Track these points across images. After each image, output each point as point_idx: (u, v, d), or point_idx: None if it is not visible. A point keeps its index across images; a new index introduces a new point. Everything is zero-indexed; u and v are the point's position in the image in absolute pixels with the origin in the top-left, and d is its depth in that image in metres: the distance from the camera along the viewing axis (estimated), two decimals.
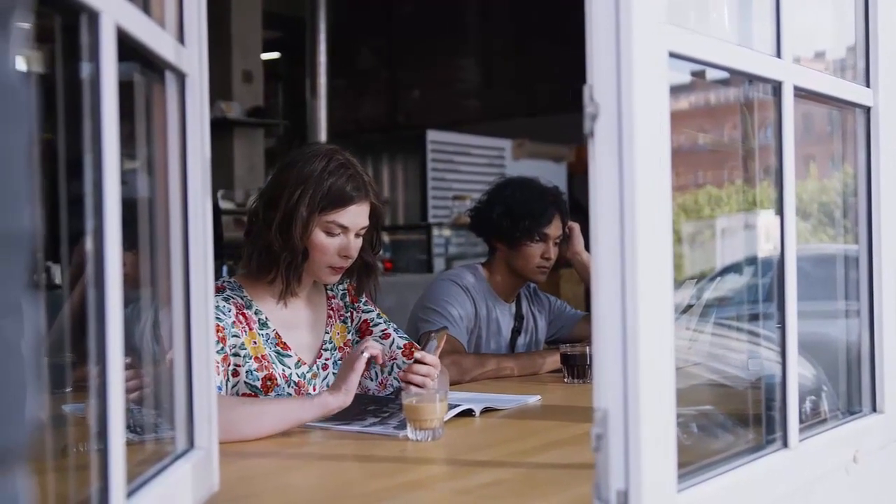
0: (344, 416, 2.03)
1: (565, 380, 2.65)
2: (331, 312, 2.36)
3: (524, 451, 1.81)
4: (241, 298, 2.21)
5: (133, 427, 1.36)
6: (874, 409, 1.80)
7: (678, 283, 1.28)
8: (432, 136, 8.03)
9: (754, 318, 1.94)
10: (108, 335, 0.99)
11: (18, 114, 0.57)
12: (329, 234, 2.17)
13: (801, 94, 1.56)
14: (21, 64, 0.59)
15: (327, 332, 2.33)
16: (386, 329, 2.38)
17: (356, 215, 2.19)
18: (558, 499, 1.47)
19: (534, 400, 2.34)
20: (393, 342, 2.34)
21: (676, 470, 1.21)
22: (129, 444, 1.06)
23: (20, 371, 0.57)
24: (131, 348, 1.14)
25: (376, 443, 1.85)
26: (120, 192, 1.02)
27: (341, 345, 2.35)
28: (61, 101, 1.07)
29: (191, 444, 1.35)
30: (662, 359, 1.19)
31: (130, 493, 1.08)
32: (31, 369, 0.59)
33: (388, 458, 1.75)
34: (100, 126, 0.99)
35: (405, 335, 2.40)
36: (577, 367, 2.63)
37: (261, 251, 2.18)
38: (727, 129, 2.07)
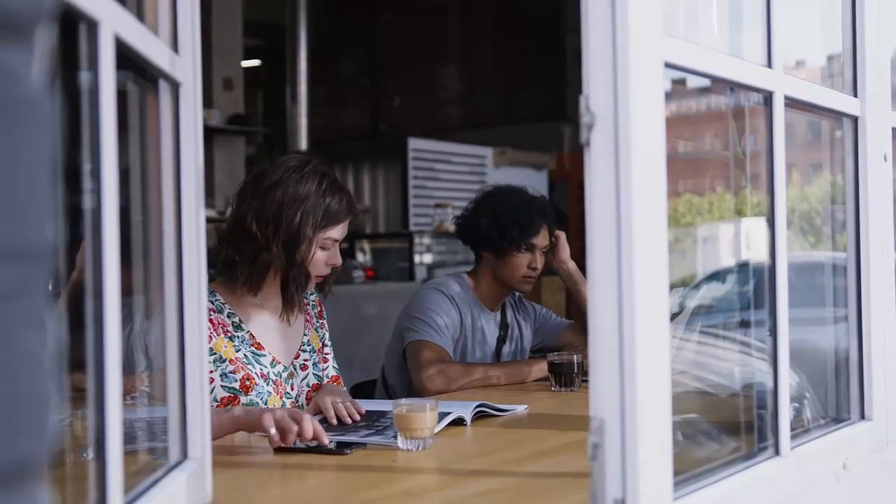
0: (337, 428, 2.02)
1: (552, 388, 2.65)
2: (307, 317, 2.44)
3: (515, 459, 1.81)
4: (212, 303, 2.24)
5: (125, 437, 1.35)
6: (862, 417, 1.81)
7: None
8: (413, 143, 8.02)
9: (739, 325, 1.95)
10: (106, 346, 0.99)
11: (43, 127, 0.57)
12: (323, 248, 2.27)
13: (791, 103, 1.57)
14: (44, 75, 0.59)
15: (305, 335, 2.40)
16: (328, 354, 2.50)
17: (345, 228, 2.32)
18: None
19: (521, 409, 2.34)
20: (326, 369, 2.45)
21: (672, 478, 1.22)
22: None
23: (43, 383, 0.57)
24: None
25: (367, 453, 1.84)
26: (118, 200, 1.01)
27: (318, 348, 2.44)
28: (57, 108, 1.06)
29: (184, 454, 1.35)
30: (659, 367, 1.19)
31: None
32: (53, 381, 0.59)
33: (380, 467, 1.74)
34: (98, 135, 0.99)
35: (337, 367, 2.51)
36: (565, 376, 2.63)
37: (261, 268, 2.23)
38: (708, 138, 2.08)
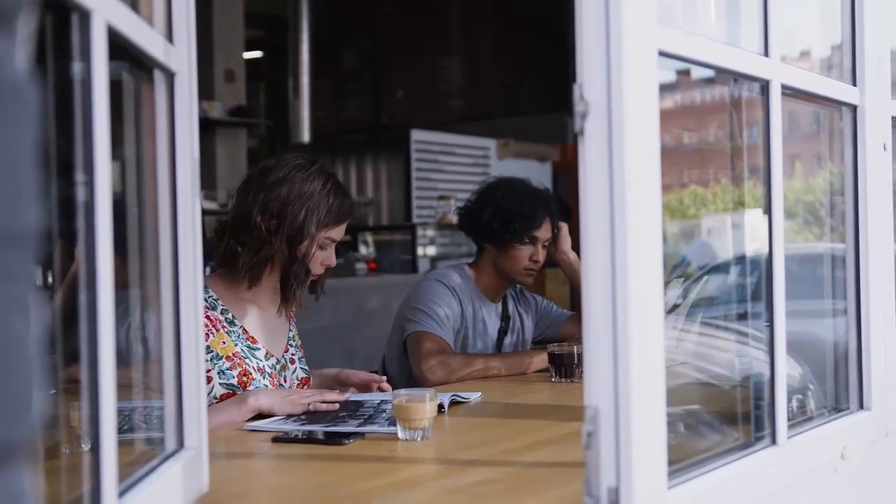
0: (321, 419, 2.02)
1: (553, 379, 2.65)
2: (291, 315, 2.48)
3: (514, 449, 1.82)
4: (206, 300, 2.26)
5: (121, 427, 1.36)
6: (861, 407, 1.81)
7: (664, 283, 1.29)
8: (416, 135, 8.01)
9: (741, 317, 1.95)
10: (100, 336, 0.99)
11: (25, 113, 0.57)
12: (322, 247, 2.31)
13: (789, 92, 1.57)
14: (26, 62, 0.59)
15: (291, 330, 2.45)
16: (300, 355, 2.49)
17: (343, 230, 2.36)
18: (549, 496, 1.47)
19: (476, 396, 2.36)
20: (295, 371, 2.44)
21: (667, 467, 1.22)
22: (118, 443, 1.05)
23: (28, 367, 0.57)
24: (117, 349, 1.14)
25: (366, 443, 1.85)
26: (111, 192, 1.01)
27: (300, 344, 2.49)
28: (50, 99, 1.06)
29: (181, 444, 1.35)
30: (653, 356, 1.19)
31: (122, 493, 1.08)
32: (38, 366, 0.59)
33: (378, 457, 1.75)
34: (91, 126, 0.99)
35: (306, 368, 2.49)
36: (565, 367, 2.63)
37: (262, 262, 2.26)
38: (712, 129, 2.08)
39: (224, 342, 2.24)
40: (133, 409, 1.46)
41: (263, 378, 2.26)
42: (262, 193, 2.25)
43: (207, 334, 2.20)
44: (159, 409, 1.39)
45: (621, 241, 1.15)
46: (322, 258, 2.32)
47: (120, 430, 1.13)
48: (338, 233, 2.33)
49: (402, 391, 1.94)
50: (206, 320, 2.21)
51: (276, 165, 2.30)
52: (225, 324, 2.27)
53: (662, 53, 1.23)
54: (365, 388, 2.41)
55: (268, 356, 2.32)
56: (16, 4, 0.56)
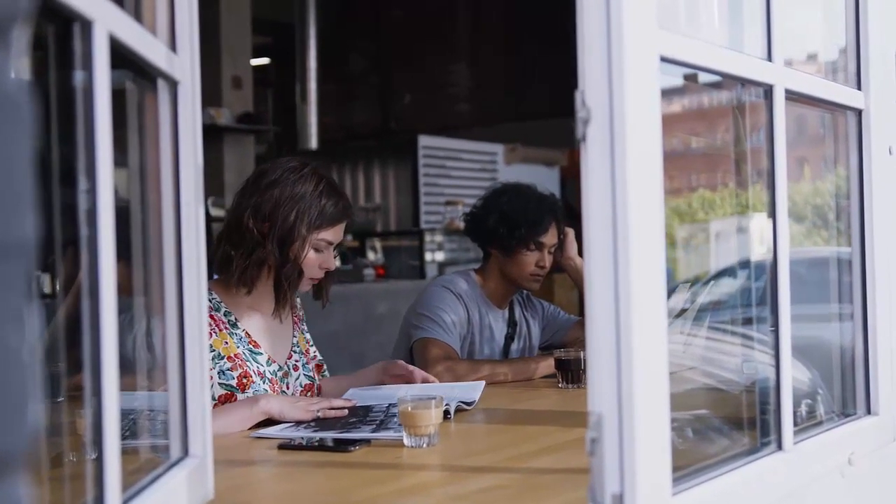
0: (332, 426, 2.02)
1: (559, 384, 2.65)
2: (296, 320, 2.48)
3: (519, 456, 1.81)
4: (210, 301, 2.26)
5: (124, 433, 1.36)
6: (868, 412, 1.80)
7: (672, 287, 1.29)
8: (424, 141, 8.02)
9: (748, 321, 1.94)
10: (103, 344, 0.99)
11: (20, 123, 0.57)
12: (317, 250, 2.30)
13: (793, 97, 1.57)
14: (21, 73, 0.59)
15: (294, 336, 2.45)
16: (313, 349, 2.52)
17: (341, 232, 2.35)
18: (554, 503, 1.47)
19: (479, 388, 2.38)
20: (298, 378, 2.43)
21: (671, 473, 1.21)
22: (122, 451, 1.05)
23: (22, 378, 0.58)
24: (124, 357, 1.14)
25: (371, 450, 1.85)
26: (113, 200, 1.02)
27: (305, 350, 2.47)
28: (53, 108, 1.06)
29: (185, 452, 1.35)
30: (656, 362, 1.19)
31: (126, 502, 1.08)
32: (33, 376, 0.59)
33: (384, 464, 1.75)
34: (93, 134, 0.99)
35: (311, 375, 2.50)
36: (571, 372, 2.63)
37: (255, 265, 2.26)
38: (720, 133, 2.07)
39: (226, 342, 2.25)
40: (138, 412, 1.47)
41: (263, 382, 2.26)
42: (255, 196, 2.27)
43: (210, 333, 2.20)
44: (164, 413, 1.39)
45: (623, 247, 1.14)
46: (319, 261, 2.31)
47: (123, 437, 1.13)
48: (332, 235, 2.31)
49: (408, 397, 1.94)
50: (209, 320, 2.22)
51: (270, 169, 2.32)
52: (228, 325, 2.28)
53: (664, 59, 1.23)
54: (408, 380, 2.44)
55: (270, 362, 2.32)
56: (11, 15, 0.56)
